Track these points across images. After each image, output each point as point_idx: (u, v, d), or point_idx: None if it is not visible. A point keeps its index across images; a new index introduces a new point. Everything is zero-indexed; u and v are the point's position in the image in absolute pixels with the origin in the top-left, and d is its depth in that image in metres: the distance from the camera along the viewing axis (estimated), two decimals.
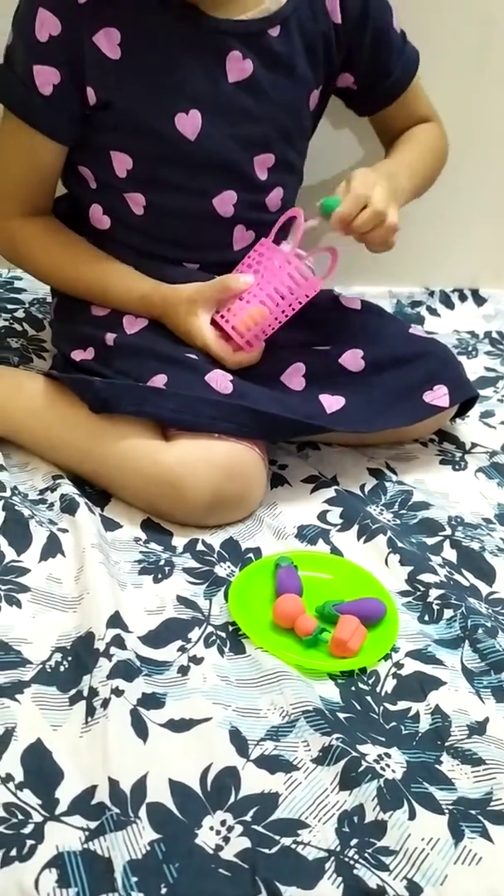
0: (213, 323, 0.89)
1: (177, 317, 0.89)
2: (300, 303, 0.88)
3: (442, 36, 1.17)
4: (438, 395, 0.94)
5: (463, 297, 1.35)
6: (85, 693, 0.65)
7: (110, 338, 0.90)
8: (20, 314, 1.17)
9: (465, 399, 0.99)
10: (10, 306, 1.19)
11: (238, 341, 0.88)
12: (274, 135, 0.92)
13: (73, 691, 0.65)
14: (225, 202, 0.91)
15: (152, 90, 0.86)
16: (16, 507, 0.82)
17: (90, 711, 0.63)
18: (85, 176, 0.93)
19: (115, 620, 0.70)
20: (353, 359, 0.92)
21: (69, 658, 0.68)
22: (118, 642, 0.68)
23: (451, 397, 0.95)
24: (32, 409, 0.90)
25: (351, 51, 0.95)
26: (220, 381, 0.86)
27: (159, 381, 0.85)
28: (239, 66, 0.87)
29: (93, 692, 0.64)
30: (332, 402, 0.89)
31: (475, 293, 1.36)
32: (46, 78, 0.85)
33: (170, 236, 0.93)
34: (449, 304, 1.34)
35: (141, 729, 0.62)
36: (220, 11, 0.85)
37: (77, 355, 0.91)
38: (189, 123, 0.87)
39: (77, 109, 0.87)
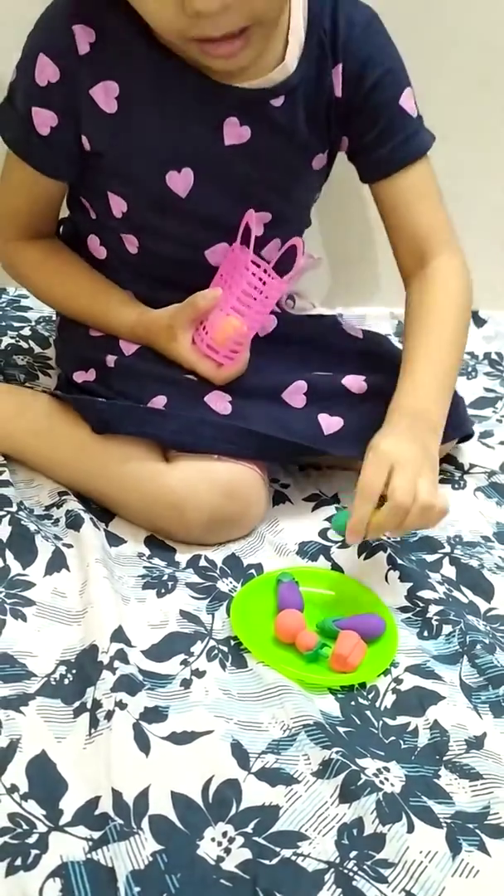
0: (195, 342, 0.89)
1: (160, 344, 0.89)
2: (267, 306, 0.87)
3: (442, 64, 1.19)
4: None
5: None
6: (89, 705, 0.66)
7: (110, 359, 0.91)
8: (26, 332, 1.19)
9: (460, 437, 1.00)
10: (16, 324, 1.20)
11: (216, 358, 0.88)
12: (272, 195, 0.90)
13: (77, 703, 0.66)
14: (217, 254, 0.91)
15: (145, 147, 0.84)
16: (21, 522, 0.83)
17: (94, 723, 0.64)
18: (85, 205, 0.93)
19: (119, 634, 0.71)
20: (355, 382, 0.93)
21: (73, 671, 0.69)
22: (121, 656, 0.69)
23: (447, 434, 0.96)
24: (36, 430, 0.91)
25: (348, 120, 0.90)
26: (218, 401, 0.87)
27: (159, 402, 0.86)
28: (236, 132, 0.85)
29: (96, 704, 0.65)
30: (330, 423, 0.90)
31: (475, 314, 1.37)
32: (44, 120, 0.84)
33: (162, 277, 0.92)
34: None
35: (143, 741, 0.63)
36: (223, 77, 0.82)
37: (79, 377, 0.92)
38: (181, 181, 0.86)
39: (74, 151, 0.86)
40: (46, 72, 0.82)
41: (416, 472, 0.76)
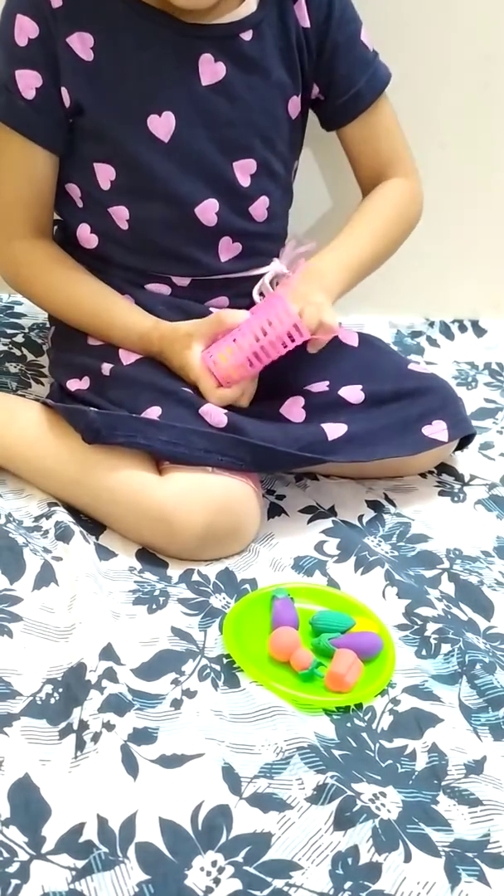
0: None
1: (172, 353, 0.88)
2: (284, 345, 0.85)
3: (444, 73, 1.18)
4: (437, 430, 0.93)
5: (463, 328, 1.35)
6: (75, 726, 0.63)
7: (106, 368, 0.89)
8: (20, 339, 1.17)
9: (463, 435, 0.98)
10: (9, 331, 1.18)
11: (217, 377, 0.86)
12: (253, 139, 0.92)
13: (63, 724, 0.64)
14: (207, 210, 0.91)
15: (124, 92, 0.87)
16: (10, 535, 0.81)
17: (80, 745, 0.62)
18: (72, 195, 0.94)
19: (108, 652, 0.69)
20: (352, 392, 0.92)
21: (60, 690, 0.67)
22: (110, 675, 0.67)
23: (450, 433, 0.94)
24: (27, 439, 0.89)
25: (320, 56, 0.94)
26: (214, 414, 0.85)
27: (153, 412, 0.84)
28: (211, 69, 0.88)
29: (83, 725, 0.63)
30: (334, 429, 0.88)
31: (475, 324, 1.36)
32: (28, 81, 0.87)
33: (155, 250, 0.93)
34: (449, 335, 1.33)
35: (131, 765, 0.61)
36: (191, 17, 0.87)
37: (72, 385, 0.90)
38: (162, 125, 0.88)
39: (59, 113, 0.89)
40: (25, 29, 0.86)
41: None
